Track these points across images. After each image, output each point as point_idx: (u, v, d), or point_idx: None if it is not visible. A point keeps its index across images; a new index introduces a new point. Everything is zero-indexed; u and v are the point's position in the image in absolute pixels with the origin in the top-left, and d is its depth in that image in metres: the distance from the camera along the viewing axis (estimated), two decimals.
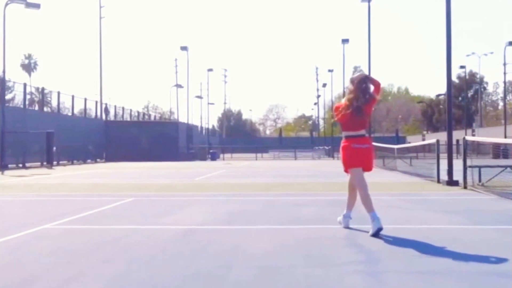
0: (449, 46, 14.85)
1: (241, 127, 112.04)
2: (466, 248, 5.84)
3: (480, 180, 13.88)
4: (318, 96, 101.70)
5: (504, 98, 63.70)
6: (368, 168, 6.89)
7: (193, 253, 5.62)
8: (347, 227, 7.04)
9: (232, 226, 7.50)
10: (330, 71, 63.25)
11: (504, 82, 60.28)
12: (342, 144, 6.88)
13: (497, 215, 8.48)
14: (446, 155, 15.30)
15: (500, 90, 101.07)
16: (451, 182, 14.30)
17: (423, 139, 67.13)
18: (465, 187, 13.32)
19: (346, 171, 6.98)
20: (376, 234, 6.41)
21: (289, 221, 7.78)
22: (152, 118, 73.86)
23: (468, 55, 69.42)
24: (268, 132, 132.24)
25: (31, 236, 6.77)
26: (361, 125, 6.80)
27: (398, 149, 24.39)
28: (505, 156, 38.62)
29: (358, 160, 6.79)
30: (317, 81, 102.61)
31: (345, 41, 43.21)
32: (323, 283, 4.41)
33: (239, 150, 56.68)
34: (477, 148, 39.75)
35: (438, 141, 15.94)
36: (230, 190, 13.46)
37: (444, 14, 15.12)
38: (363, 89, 6.75)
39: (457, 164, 14.65)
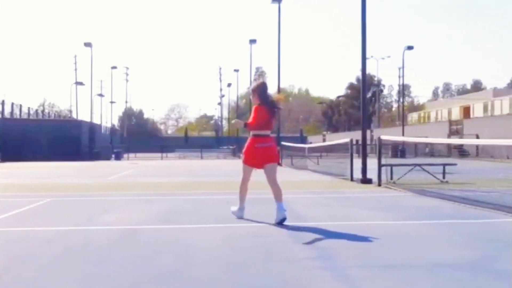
0: (364, 49, 15.38)
1: (142, 127, 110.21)
2: (410, 242, 6.12)
3: (392, 178, 14.48)
4: (222, 96, 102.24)
5: (402, 100, 66.78)
6: (272, 160, 7.57)
7: (147, 252, 5.50)
8: (241, 218, 7.71)
9: (173, 225, 7.39)
10: (236, 71, 63.68)
11: (402, 85, 63.21)
12: (248, 141, 7.58)
13: (422, 211, 8.91)
14: (350, 154, 15.96)
15: (394, 92, 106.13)
16: (365, 180, 14.82)
17: (324, 140, 69.11)
18: (379, 185, 13.83)
19: (243, 161, 7.74)
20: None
21: (228, 219, 7.77)
22: (51, 116, 70.93)
23: (367, 58, 72.02)
24: (169, 131, 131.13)
25: None
26: (270, 127, 7.66)
27: (308, 148, 24.96)
28: (403, 155, 40.75)
29: (254, 160, 7.49)
30: (221, 81, 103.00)
31: (252, 41, 43.66)
32: (292, 279, 4.46)
33: (142, 149, 55.70)
34: (375, 148, 41.56)
35: (352, 140, 16.45)
36: (152, 189, 13.25)
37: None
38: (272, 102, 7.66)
39: (360, 162, 15.30)
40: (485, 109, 68.21)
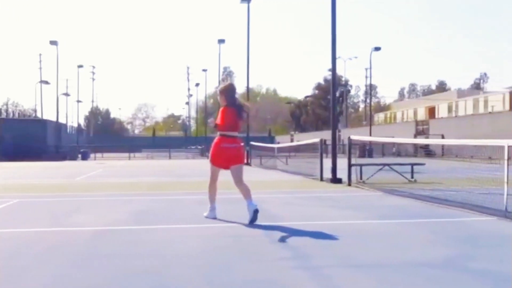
0: (334, 50, 15.50)
1: (109, 126, 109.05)
2: (383, 241, 6.20)
3: (361, 178, 14.61)
4: (190, 96, 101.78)
5: (369, 101, 67.43)
6: (236, 162, 7.59)
7: (123, 253, 5.46)
8: (214, 218, 7.71)
9: (149, 226, 7.35)
10: (204, 70, 63.48)
11: (370, 86, 63.88)
12: (215, 140, 7.64)
13: (393, 210, 9.04)
14: (320, 154, 16.05)
15: (361, 92, 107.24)
16: (335, 180, 14.92)
17: (292, 140, 69.41)
18: (349, 185, 13.94)
19: (210, 161, 7.81)
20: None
21: (202, 219, 7.75)
22: (15, 116, 69.63)
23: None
24: (137, 131, 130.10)
25: None
26: (237, 128, 7.71)
27: (277, 148, 25.01)
28: (370, 155, 41.19)
29: (220, 160, 7.55)
30: (189, 80, 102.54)
31: (221, 41, 43.58)
32: (271, 279, 4.47)
33: (109, 149, 55.08)
34: (343, 148, 41.93)
35: (321, 140, 16.52)
36: (123, 190, 13.12)
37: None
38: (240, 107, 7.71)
39: (328, 162, 15.41)
40: (450, 109, 69.41)
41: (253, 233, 6.67)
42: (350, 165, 14.31)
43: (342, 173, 14.69)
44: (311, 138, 28.04)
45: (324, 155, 16.44)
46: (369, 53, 52.15)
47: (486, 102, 61.94)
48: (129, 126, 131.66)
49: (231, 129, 7.59)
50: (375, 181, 13.77)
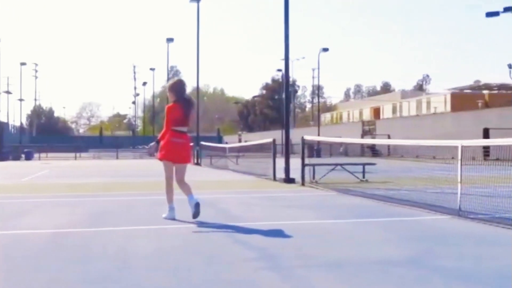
0: (287, 51, 15.57)
1: (52, 125, 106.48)
2: (346, 240, 6.25)
3: (314, 178, 14.69)
4: (137, 95, 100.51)
5: (318, 101, 68.18)
6: (184, 160, 7.68)
7: (80, 257, 5.30)
8: (173, 219, 7.55)
9: (104, 228, 7.17)
10: (152, 69, 62.76)
11: (318, 86, 64.55)
12: (167, 135, 7.59)
13: (349, 209, 9.12)
14: (272, 153, 16.11)
15: (308, 93, 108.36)
16: (288, 180, 14.96)
17: (240, 139, 69.44)
18: (303, 184, 14.00)
19: (159, 158, 7.72)
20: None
21: (160, 220, 7.62)
22: None
23: (282, 59, 72.87)
24: (81, 130, 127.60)
25: None
26: (186, 123, 7.66)
27: (229, 148, 24.96)
28: (318, 155, 41.60)
29: (171, 154, 7.53)
30: (135, 79, 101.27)
31: (169, 40, 43.16)
32: (241, 281, 4.42)
33: (53, 149, 53.64)
34: (292, 148, 42.18)
35: (274, 140, 16.57)
36: (75, 191, 12.78)
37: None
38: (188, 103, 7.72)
39: (280, 162, 15.46)
40: (394, 110, 70.98)
41: (214, 233, 6.63)
42: (303, 165, 14.38)
43: (294, 173, 14.75)
44: (259, 138, 28.07)
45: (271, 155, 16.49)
46: (315, 54, 52.77)
47: (428, 103, 63.62)
48: (73, 125, 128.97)
49: (180, 124, 7.59)
50: (328, 181, 13.87)
